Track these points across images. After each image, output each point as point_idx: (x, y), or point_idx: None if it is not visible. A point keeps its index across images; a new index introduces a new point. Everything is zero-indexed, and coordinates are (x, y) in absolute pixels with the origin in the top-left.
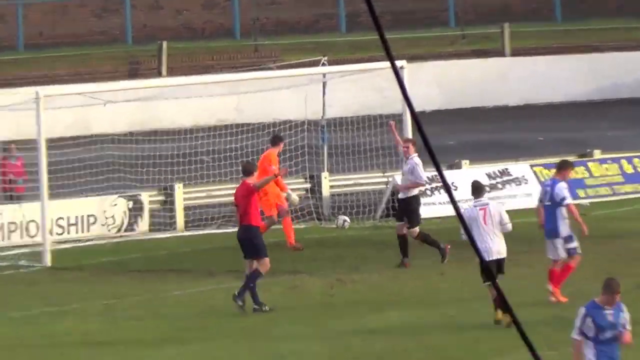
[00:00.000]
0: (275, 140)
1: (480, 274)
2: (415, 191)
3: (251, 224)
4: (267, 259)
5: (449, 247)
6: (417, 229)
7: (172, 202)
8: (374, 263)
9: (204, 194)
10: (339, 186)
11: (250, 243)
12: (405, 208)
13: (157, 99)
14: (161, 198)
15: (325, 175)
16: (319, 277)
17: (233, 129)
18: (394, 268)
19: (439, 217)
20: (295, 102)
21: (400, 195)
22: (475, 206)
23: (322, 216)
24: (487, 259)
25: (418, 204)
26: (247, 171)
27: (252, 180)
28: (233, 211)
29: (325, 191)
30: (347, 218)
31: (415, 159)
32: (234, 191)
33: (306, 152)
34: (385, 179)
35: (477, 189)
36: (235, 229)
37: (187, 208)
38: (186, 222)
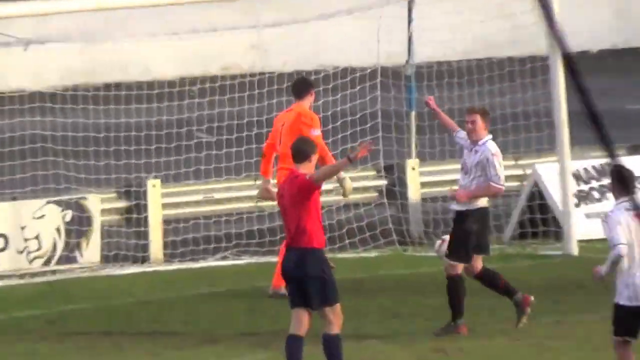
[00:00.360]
0: (303, 88)
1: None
2: (482, 201)
3: (312, 246)
4: (339, 307)
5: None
6: (460, 266)
7: (142, 213)
8: (499, 320)
9: (197, 198)
10: (435, 184)
11: (313, 279)
12: (460, 227)
13: (114, 32)
14: (122, 204)
15: (412, 164)
16: (403, 345)
17: (254, 90)
18: (530, 328)
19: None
20: (358, 37)
21: (456, 206)
22: (626, 209)
23: (407, 237)
24: (629, 304)
25: (483, 224)
26: (301, 154)
27: (308, 170)
28: (263, 234)
29: (414, 193)
30: None
31: (490, 145)
32: (247, 193)
33: (379, 125)
34: (519, 171)
35: (625, 181)
36: (253, 260)
37: (168, 223)
38: (167, 249)
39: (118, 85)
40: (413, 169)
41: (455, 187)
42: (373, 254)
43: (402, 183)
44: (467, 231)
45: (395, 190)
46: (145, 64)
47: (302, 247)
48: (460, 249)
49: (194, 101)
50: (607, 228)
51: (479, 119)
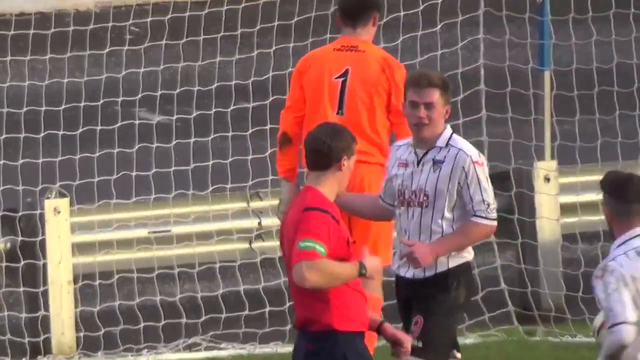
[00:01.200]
0: (365, 8)
1: None
2: (462, 255)
3: (332, 329)
4: None
5: None
6: None
7: (35, 261)
8: None
9: (139, 233)
10: (591, 207)
11: None
12: (428, 305)
13: None
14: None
15: (546, 170)
16: None
17: (234, 22)
18: None
19: None
20: None
21: (408, 273)
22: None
23: (535, 307)
24: None
25: (469, 293)
26: (324, 155)
27: (330, 185)
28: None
29: (550, 226)
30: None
31: (463, 144)
32: (222, 224)
33: (481, 96)
34: None
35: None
36: (243, 350)
37: (83, 280)
38: (81, 331)
39: None
40: (547, 179)
41: (409, 239)
42: (470, 339)
43: (527, 207)
44: (434, 308)
45: (512, 221)
46: None
47: (317, 332)
48: (438, 339)
49: (120, 49)
50: (602, 291)
51: (438, 97)
